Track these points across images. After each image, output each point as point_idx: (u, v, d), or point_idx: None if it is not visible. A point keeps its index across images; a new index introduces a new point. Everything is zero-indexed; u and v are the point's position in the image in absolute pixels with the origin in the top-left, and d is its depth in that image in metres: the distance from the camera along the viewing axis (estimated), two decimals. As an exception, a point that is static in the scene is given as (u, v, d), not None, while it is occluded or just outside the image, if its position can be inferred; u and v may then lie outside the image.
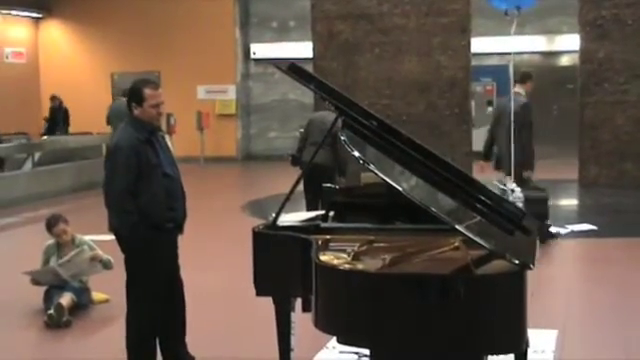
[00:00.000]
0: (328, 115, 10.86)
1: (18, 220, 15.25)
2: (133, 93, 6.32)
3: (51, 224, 8.82)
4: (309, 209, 11.15)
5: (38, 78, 27.19)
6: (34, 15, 26.86)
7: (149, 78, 6.98)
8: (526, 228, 5.39)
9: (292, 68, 5.88)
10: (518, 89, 12.44)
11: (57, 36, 27.26)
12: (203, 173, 21.67)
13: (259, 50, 25.87)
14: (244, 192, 16.98)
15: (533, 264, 4.79)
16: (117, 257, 6.75)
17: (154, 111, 6.30)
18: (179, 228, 6.56)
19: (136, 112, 6.29)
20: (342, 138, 5.39)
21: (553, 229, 12.08)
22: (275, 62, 7.39)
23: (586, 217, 13.75)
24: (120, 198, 6.17)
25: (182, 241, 6.66)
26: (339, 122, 5.75)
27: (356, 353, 6.58)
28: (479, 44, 19.27)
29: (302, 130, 12.18)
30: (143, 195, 6.19)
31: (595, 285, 9.85)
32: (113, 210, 6.28)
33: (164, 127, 13.77)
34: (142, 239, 6.20)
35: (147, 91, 6.27)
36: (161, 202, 6.27)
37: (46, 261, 8.76)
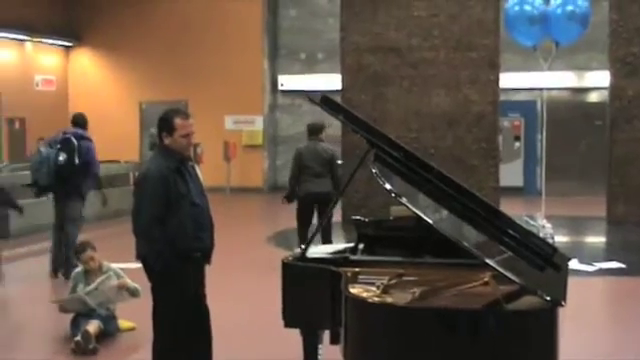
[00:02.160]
0: (315, 145, 12.34)
1: (46, 246, 15.26)
2: (164, 122, 6.34)
3: (79, 251, 8.86)
4: (303, 239, 11.70)
5: (67, 106, 27.36)
6: (64, 43, 27.08)
7: (179, 108, 7.00)
8: (557, 264, 5.35)
9: (325, 100, 5.89)
10: None
11: (87, 64, 27.46)
12: (229, 203, 21.71)
13: (287, 81, 25.94)
14: (270, 223, 16.99)
15: (564, 301, 4.78)
16: (145, 285, 6.75)
17: (184, 141, 6.32)
18: (206, 258, 6.56)
19: (166, 141, 6.32)
20: (373, 171, 5.36)
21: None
22: (304, 94, 7.41)
23: (614, 255, 13.65)
24: (147, 227, 6.19)
25: (208, 271, 6.66)
26: (370, 155, 5.68)
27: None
28: (507, 79, 19.27)
29: (293, 165, 12.59)
30: (171, 224, 6.20)
31: (623, 323, 9.79)
32: (140, 238, 6.30)
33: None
34: (169, 268, 6.20)
35: (178, 121, 6.30)
36: (188, 231, 6.28)
37: (74, 288, 8.78)
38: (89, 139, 12.13)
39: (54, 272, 12.08)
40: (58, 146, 11.74)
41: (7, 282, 12.35)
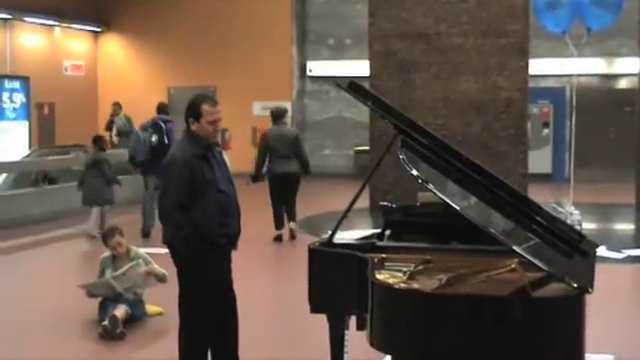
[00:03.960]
0: (280, 129, 13.98)
1: (73, 231, 15.38)
2: (191, 108, 6.34)
3: (107, 236, 8.91)
4: (277, 218, 13.82)
5: (96, 91, 27.52)
6: (93, 29, 27.22)
7: (207, 94, 7.01)
8: (584, 251, 5.31)
9: (352, 86, 5.87)
10: None
11: (115, 50, 27.60)
12: (257, 188, 21.66)
13: (315, 67, 25.99)
14: (298, 208, 16.89)
15: (592, 288, 4.75)
16: (171, 270, 6.77)
17: (211, 128, 6.32)
18: (232, 244, 6.56)
19: (193, 127, 6.31)
20: (400, 157, 5.35)
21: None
22: (332, 80, 7.43)
23: (643, 242, 13.52)
24: (172, 212, 6.21)
25: (235, 256, 6.65)
26: (398, 141, 5.66)
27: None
28: (536, 65, 19.15)
29: (260, 147, 14.14)
30: (196, 210, 6.21)
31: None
32: (166, 224, 6.32)
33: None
34: (195, 253, 6.22)
35: (205, 107, 6.29)
36: (214, 218, 6.28)
37: (102, 272, 8.85)
38: (172, 122, 14.36)
39: (145, 234, 14.06)
40: (150, 130, 14.13)
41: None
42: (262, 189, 13.71)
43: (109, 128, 22.22)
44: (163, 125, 14.12)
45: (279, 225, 13.94)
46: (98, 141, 15.17)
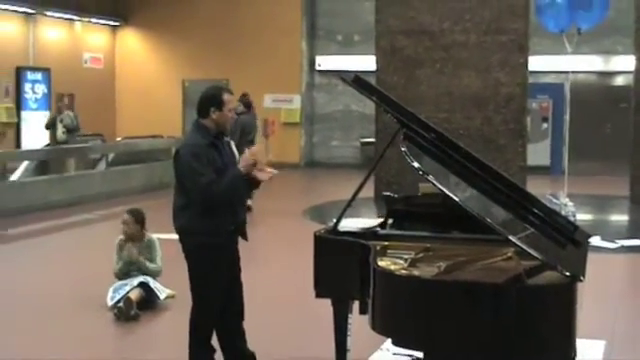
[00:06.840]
0: (248, 119, 16.07)
1: (91, 217, 15.72)
2: (213, 98, 6.43)
3: (129, 212, 9.16)
4: None
5: (114, 83, 27.95)
6: (112, 23, 27.73)
7: (222, 85, 7.14)
8: (577, 241, 5.48)
9: (356, 80, 6.05)
10: None
11: (133, 43, 28.04)
12: (267, 178, 21.91)
13: (324, 62, 26.39)
14: (305, 197, 17.17)
15: (584, 276, 4.93)
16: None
17: (231, 114, 6.51)
18: (239, 231, 6.56)
19: (214, 116, 6.36)
20: (402, 149, 5.47)
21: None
22: (340, 74, 7.71)
23: (637, 232, 13.80)
24: (211, 185, 6.20)
25: (244, 243, 6.61)
26: (400, 134, 5.78)
27: (409, 356, 6.53)
28: (536, 62, 19.49)
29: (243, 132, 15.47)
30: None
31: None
32: (225, 199, 6.29)
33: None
34: (203, 240, 6.30)
35: (226, 96, 6.45)
36: (224, 205, 6.34)
37: (119, 255, 9.04)
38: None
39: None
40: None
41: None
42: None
43: (51, 126, 20.60)
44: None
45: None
46: None
